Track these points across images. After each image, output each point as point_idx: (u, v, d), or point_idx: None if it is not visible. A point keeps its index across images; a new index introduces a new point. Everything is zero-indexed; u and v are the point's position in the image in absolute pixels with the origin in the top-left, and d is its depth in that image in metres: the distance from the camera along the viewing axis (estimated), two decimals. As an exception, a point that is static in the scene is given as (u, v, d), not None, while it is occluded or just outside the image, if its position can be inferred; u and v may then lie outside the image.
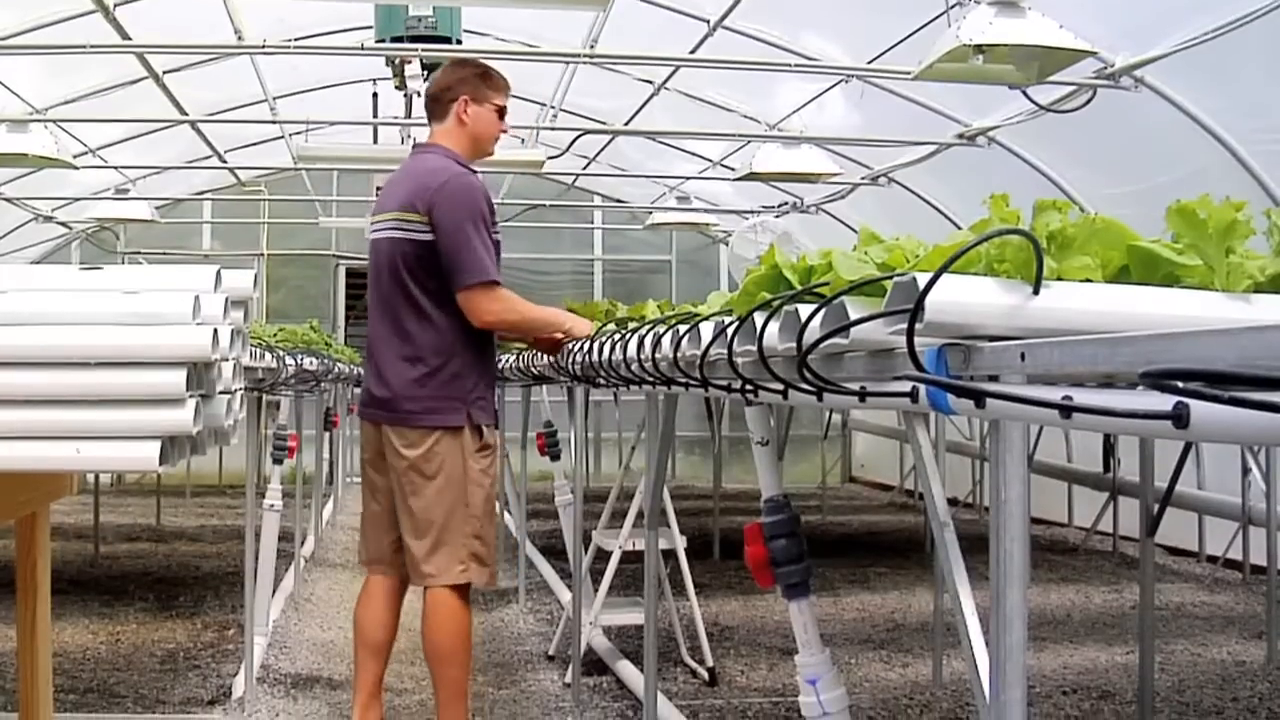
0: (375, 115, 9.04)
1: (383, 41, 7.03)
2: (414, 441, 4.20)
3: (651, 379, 3.14)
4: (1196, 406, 1.19)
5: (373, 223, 4.44)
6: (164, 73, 7.98)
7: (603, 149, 11.44)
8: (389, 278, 4.27)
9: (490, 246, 4.23)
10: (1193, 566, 8.78)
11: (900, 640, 6.46)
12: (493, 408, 4.39)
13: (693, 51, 7.93)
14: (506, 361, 5.87)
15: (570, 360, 4.08)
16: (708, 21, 7.80)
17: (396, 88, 7.85)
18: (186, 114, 8.75)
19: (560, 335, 4.36)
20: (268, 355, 5.01)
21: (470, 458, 4.23)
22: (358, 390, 6.99)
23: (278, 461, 6.73)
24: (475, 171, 4.40)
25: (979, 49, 5.02)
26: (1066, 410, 1.38)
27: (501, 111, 4.44)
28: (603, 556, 5.80)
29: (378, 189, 9.68)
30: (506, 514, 9.28)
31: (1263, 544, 6.76)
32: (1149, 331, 1.38)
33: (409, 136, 9.85)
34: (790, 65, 7.82)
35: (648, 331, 3.03)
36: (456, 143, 4.39)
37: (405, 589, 4.45)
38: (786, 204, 11.71)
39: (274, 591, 6.62)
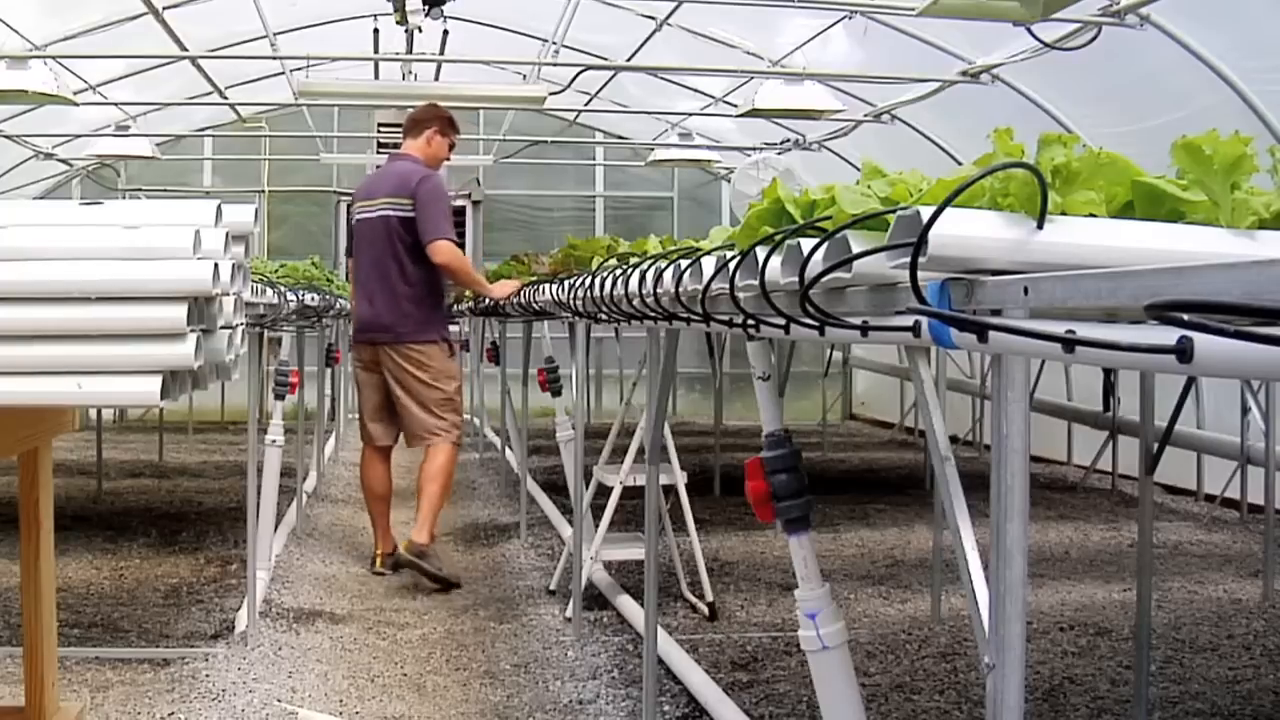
0: (376, 51, 8.99)
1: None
2: (409, 352, 6.39)
3: (653, 314, 3.13)
4: (1200, 340, 1.18)
5: (363, 206, 6.53)
6: (164, 9, 7.90)
7: (604, 85, 11.34)
8: (385, 243, 6.38)
9: (450, 219, 6.41)
10: (1190, 505, 8.80)
11: (899, 576, 6.49)
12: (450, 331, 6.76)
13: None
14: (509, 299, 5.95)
15: (572, 295, 4.08)
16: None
17: (398, 23, 7.81)
18: (187, 50, 8.68)
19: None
20: (269, 291, 5.01)
21: (447, 359, 6.54)
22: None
23: (279, 397, 6.74)
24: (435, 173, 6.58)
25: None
26: (1070, 344, 1.38)
27: (452, 146, 6.70)
28: (603, 492, 5.81)
29: (378, 132, 9.62)
30: (508, 449, 9.30)
31: (1260, 483, 6.77)
32: (1153, 266, 1.37)
33: (410, 72, 9.80)
34: (794, 1, 7.76)
35: (649, 266, 3.02)
36: (423, 155, 6.53)
37: (391, 452, 6.70)
38: (789, 141, 11.66)
39: (276, 527, 6.65)
